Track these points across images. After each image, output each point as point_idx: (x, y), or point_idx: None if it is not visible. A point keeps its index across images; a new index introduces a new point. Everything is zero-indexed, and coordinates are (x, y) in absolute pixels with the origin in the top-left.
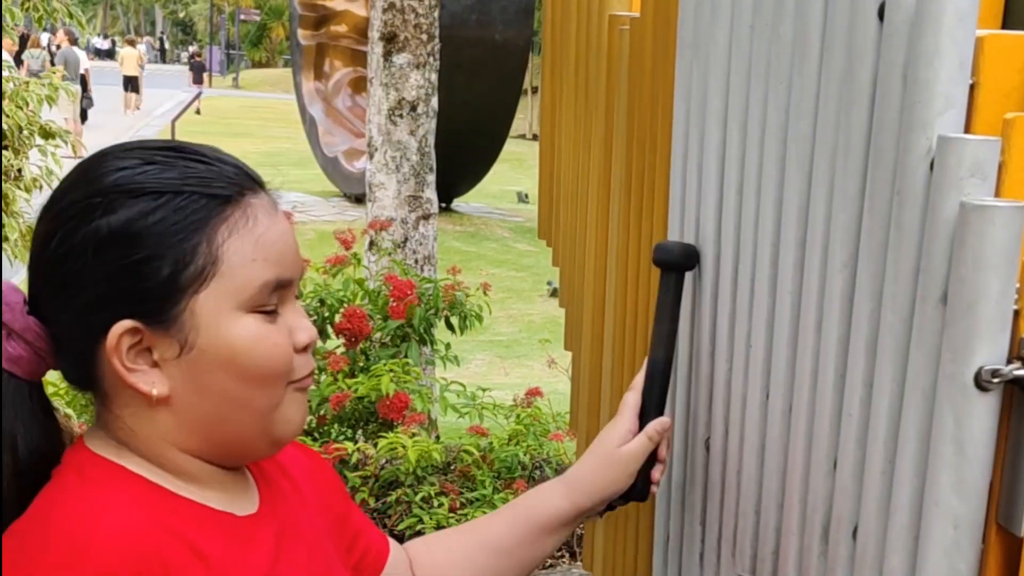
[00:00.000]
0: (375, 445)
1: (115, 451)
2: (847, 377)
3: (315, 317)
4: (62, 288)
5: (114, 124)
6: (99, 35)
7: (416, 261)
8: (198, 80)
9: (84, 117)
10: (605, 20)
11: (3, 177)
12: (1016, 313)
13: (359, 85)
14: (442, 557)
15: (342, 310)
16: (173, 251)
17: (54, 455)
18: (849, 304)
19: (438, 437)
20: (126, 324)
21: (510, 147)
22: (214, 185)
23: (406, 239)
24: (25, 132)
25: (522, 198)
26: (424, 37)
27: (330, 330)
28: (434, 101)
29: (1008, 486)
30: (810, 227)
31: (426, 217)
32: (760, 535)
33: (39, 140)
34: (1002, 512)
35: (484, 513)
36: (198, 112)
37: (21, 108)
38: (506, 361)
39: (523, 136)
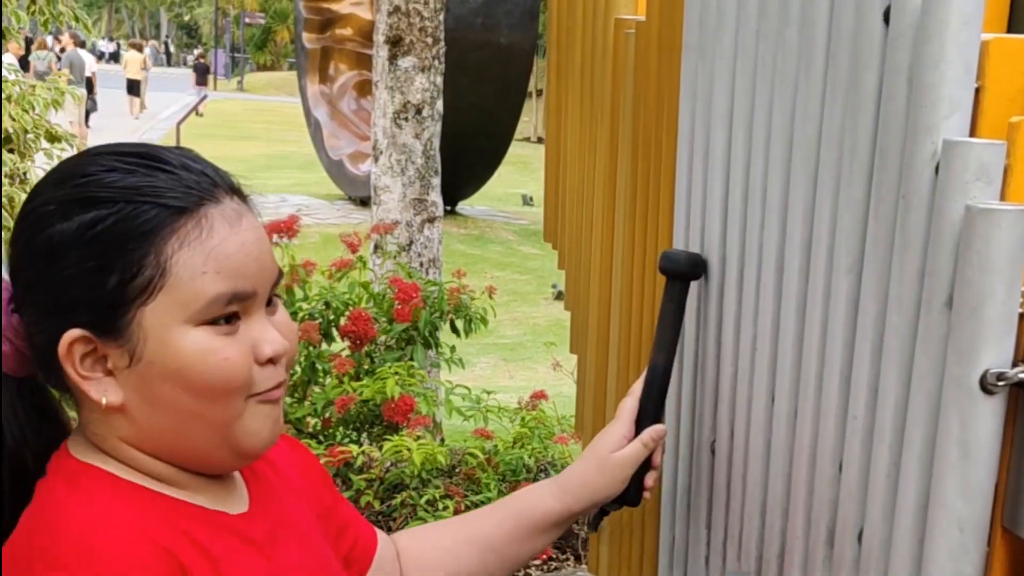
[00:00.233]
0: (380, 448)
1: (97, 456)
2: (852, 380)
3: (320, 320)
4: (26, 290)
5: (119, 127)
6: (104, 38)
7: (421, 264)
8: (201, 82)
9: (88, 119)
10: (611, 24)
11: (9, 180)
12: (1021, 316)
13: (364, 88)
14: (430, 550)
15: (347, 313)
16: (121, 261)
17: (48, 453)
18: (854, 307)
19: (443, 440)
20: (75, 333)
21: (515, 150)
22: (168, 195)
23: (411, 242)
24: (31, 135)
25: (527, 201)
26: (429, 40)
27: (335, 333)
28: (439, 104)
29: (1013, 489)
30: (815, 230)
31: (431, 220)
32: (765, 538)
33: (45, 143)
34: (1007, 515)
35: None
36: (200, 114)
37: (27, 111)
38: (511, 364)
39: (528, 139)
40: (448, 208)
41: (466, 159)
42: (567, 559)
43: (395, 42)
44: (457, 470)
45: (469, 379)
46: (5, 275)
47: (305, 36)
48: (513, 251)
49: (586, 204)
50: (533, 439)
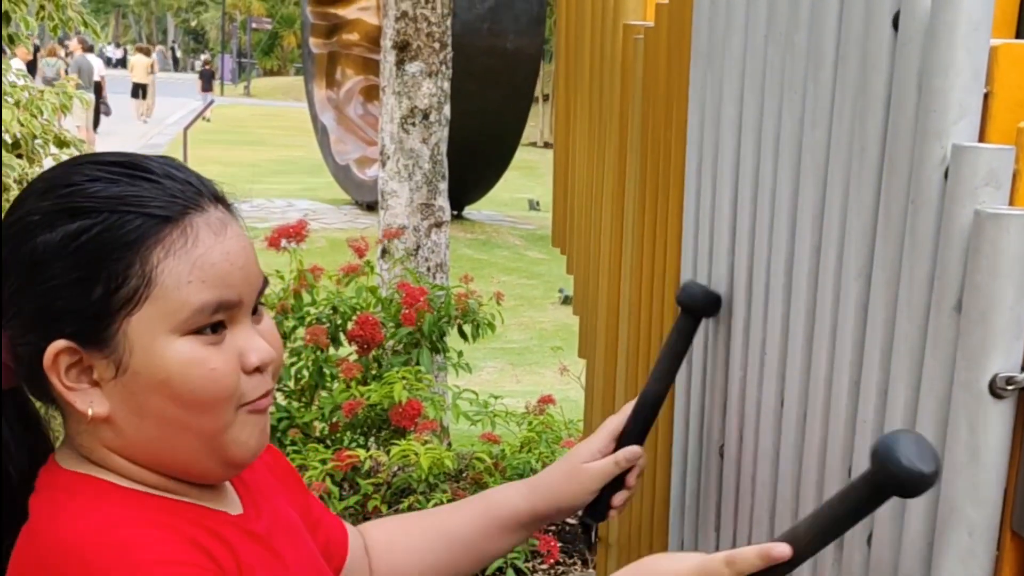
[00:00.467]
0: (387, 452)
1: (89, 466)
2: (862, 384)
3: (328, 324)
4: (9, 301)
5: (127, 132)
6: (111, 43)
7: (428, 269)
8: (207, 88)
9: (96, 124)
10: (619, 29)
11: (18, 185)
12: None
13: (371, 93)
14: (399, 541)
15: (355, 317)
16: (106, 272)
17: (15, 463)
18: (864, 311)
19: (450, 444)
20: (61, 344)
21: (521, 155)
22: (152, 204)
23: (418, 247)
24: (39, 141)
25: (533, 206)
26: (436, 46)
27: (343, 337)
28: (446, 109)
29: (1022, 493)
30: (825, 235)
31: (438, 225)
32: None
33: (53, 149)
34: (1016, 519)
35: None
36: (207, 120)
37: (36, 117)
38: (518, 368)
39: (534, 144)
40: (455, 213)
41: (473, 164)
42: (574, 564)
43: (402, 47)
44: (464, 474)
45: (476, 383)
46: None
47: (312, 41)
48: (520, 256)
49: (595, 209)
50: (540, 443)
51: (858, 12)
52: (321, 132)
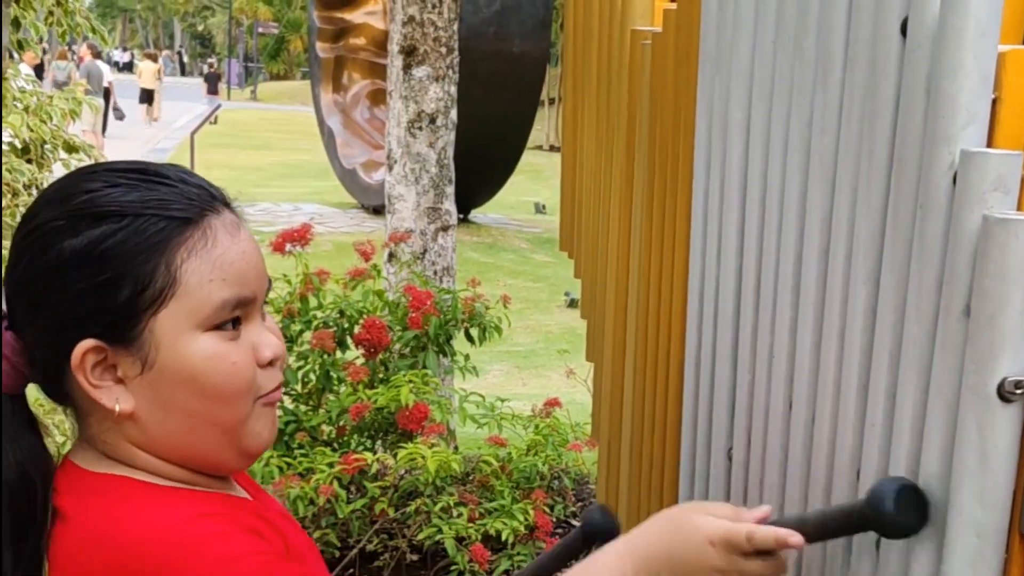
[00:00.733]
0: (394, 455)
1: (114, 465)
2: (870, 388)
3: (335, 328)
4: (31, 307)
5: (135, 135)
6: (118, 48)
7: (435, 272)
8: (212, 91)
9: (104, 128)
10: (627, 35)
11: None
12: None
13: (377, 97)
14: None
15: (361, 321)
16: (133, 273)
17: (42, 469)
18: (872, 315)
19: (457, 447)
20: (89, 343)
21: (527, 158)
22: (173, 207)
23: (425, 250)
24: (49, 146)
25: (539, 209)
26: (443, 50)
27: (350, 341)
28: (453, 113)
29: None
30: (833, 239)
31: (445, 229)
32: None
33: (63, 154)
34: None
35: (503, 523)
36: (214, 123)
37: (45, 122)
38: (524, 371)
39: (540, 147)
40: (461, 216)
41: (479, 168)
42: None
43: (409, 52)
44: (471, 477)
45: (483, 387)
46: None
47: (319, 45)
48: (526, 259)
49: (602, 213)
50: (547, 446)
51: (866, 18)
52: (328, 136)
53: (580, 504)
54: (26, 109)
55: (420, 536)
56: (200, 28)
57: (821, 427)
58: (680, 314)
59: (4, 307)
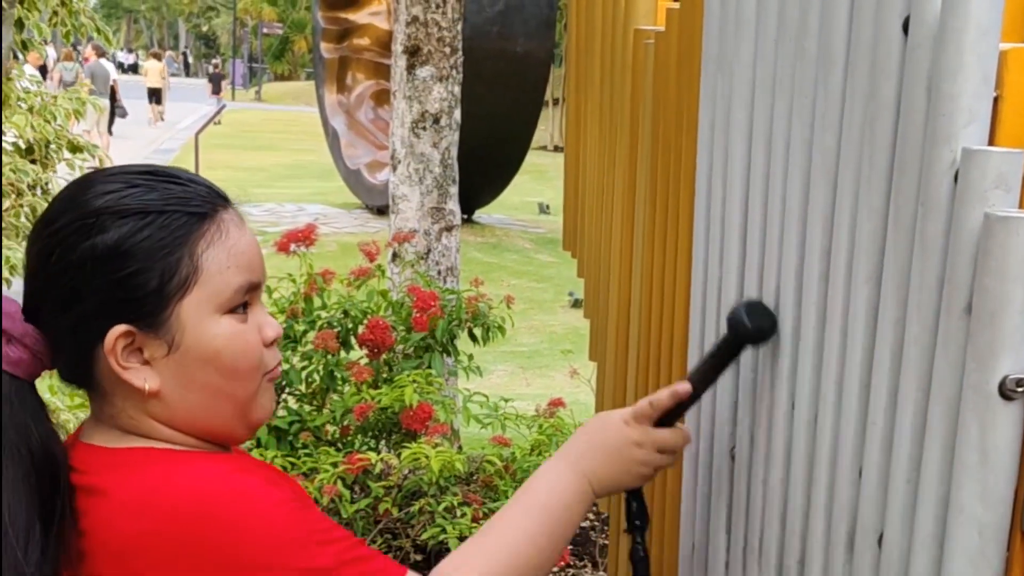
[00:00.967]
0: (398, 455)
1: (138, 440)
2: (872, 386)
3: (339, 328)
4: (61, 299)
5: (140, 135)
6: (123, 49)
7: (439, 272)
8: (216, 91)
9: (111, 127)
10: (630, 34)
11: (31, 191)
12: None
13: (381, 98)
14: None
15: (365, 321)
16: (160, 264)
17: (59, 448)
18: (874, 314)
19: (460, 447)
20: (121, 328)
21: (531, 158)
22: (192, 204)
23: (429, 250)
24: (53, 146)
25: (543, 209)
26: (447, 50)
27: (353, 341)
28: (457, 113)
29: None
30: (835, 238)
31: (449, 229)
32: (785, 544)
33: (67, 154)
34: None
35: None
36: (218, 123)
37: (49, 122)
38: (528, 372)
39: (544, 147)
40: (465, 217)
41: (483, 167)
42: (584, 566)
43: (413, 52)
44: (475, 477)
45: (486, 387)
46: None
47: (323, 46)
48: (530, 259)
49: (606, 213)
50: (551, 446)
51: (868, 17)
52: (332, 136)
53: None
54: (30, 109)
55: (424, 536)
56: (204, 29)
57: (823, 426)
58: (683, 314)
59: (20, 303)
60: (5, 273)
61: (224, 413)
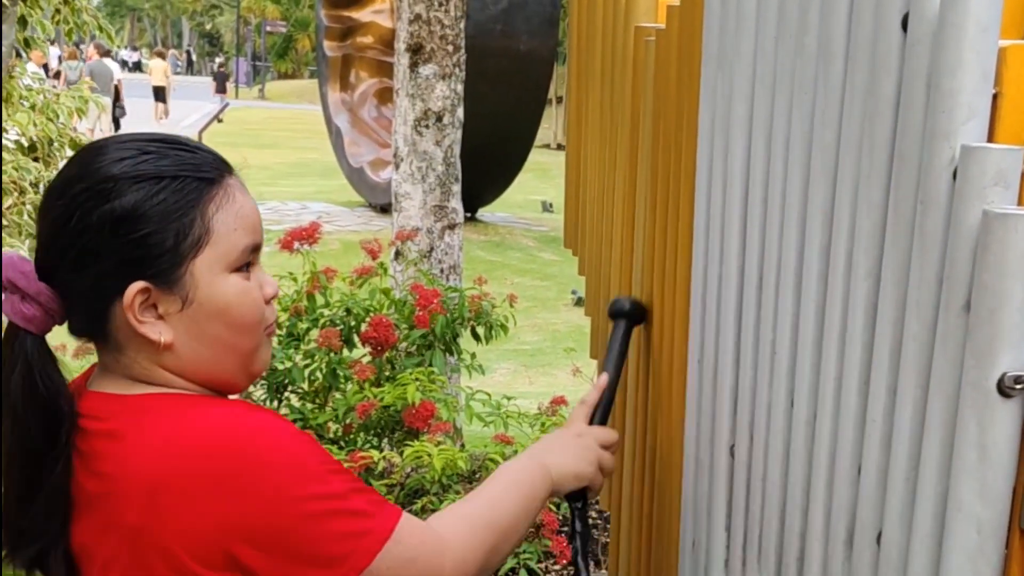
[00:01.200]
0: (401, 453)
1: (152, 387)
2: (871, 384)
3: (341, 326)
4: (80, 259)
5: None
6: (127, 47)
7: (442, 271)
8: (221, 90)
9: (117, 126)
10: (631, 31)
11: (34, 189)
12: None
13: (384, 96)
14: None
15: (368, 319)
16: (174, 225)
17: (66, 392)
18: (873, 311)
19: (463, 445)
20: (139, 285)
21: (535, 157)
22: (202, 169)
23: (432, 249)
24: (56, 144)
25: (546, 207)
26: (450, 48)
27: (356, 339)
28: (460, 112)
29: None
30: (834, 235)
31: (452, 227)
32: (785, 541)
33: (69, 152)
34: None
35: None
36: (220, 121)
37: (52, 120)
38: (531, 370)
39: (547, 146)
40: (468, 215)
41: (486, 166)
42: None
43: (416, 50)
44: (477, 475)
45: (489, 385)
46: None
47: (326, 44)
48: (533, 257)
49: (606, 210)
50: None
51: (867, 14)
52: (335, 135)
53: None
54: (33, 107)
55: None
56: (208, 27)
57: (822, 423)
58: (683, 311)
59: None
60: None
61: (229, 364)
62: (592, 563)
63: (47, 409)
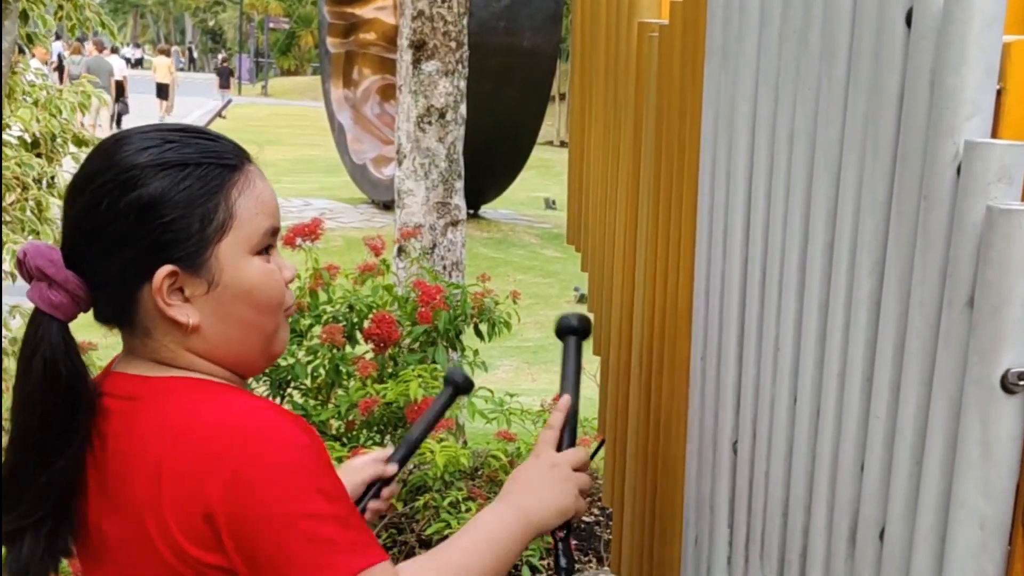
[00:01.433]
0: None
1: (175, 370)
2: (874, 380)
3: (344, 323)
4: (108, 246)
5: None
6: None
7: (444, 267)
8: (224, 86)
9: (119, 123)
10: (634, 27)
11: (37, 185)
12: None
13: (387, 92)
14: None
15: (371, 316)
16: (199, 211)
17: (84, 378)
18: (876, 308)
19: (465, 442)
20: (167, 269)
21: (537, 153)
22: (224, 157)
23: (434, 245)
24: (59, 140)
25: (549, 204)
26: (453, 44)
27: (359, 336)
28: (462, 108)
29: None
30: (838, 231)
31: (454, 223)
32: (788, 537)
33: (72, 148)
34: None
35: None
36: (223, 117)
37: (55, 116)
38: (533, 367)
39: (550, 143)
40: (471, 212)
41: (489, 163)
42: (589, 561)
43: (419, 46)
44: (480, 472)
45: (492, 382)
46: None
47: (329, 40)
48: (536, 254)
49: (609, 206)
50: None
51: (871, 9)
52: (338, 131)
53: (587, 499)
54: (35, 103)
55: (429, 531)
56: (211, 23)
57: (825, 420)
58: (686, 307)
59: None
60: (11, 268)
61: (252, 345)
62: (595, 559)
63: (67, 394)
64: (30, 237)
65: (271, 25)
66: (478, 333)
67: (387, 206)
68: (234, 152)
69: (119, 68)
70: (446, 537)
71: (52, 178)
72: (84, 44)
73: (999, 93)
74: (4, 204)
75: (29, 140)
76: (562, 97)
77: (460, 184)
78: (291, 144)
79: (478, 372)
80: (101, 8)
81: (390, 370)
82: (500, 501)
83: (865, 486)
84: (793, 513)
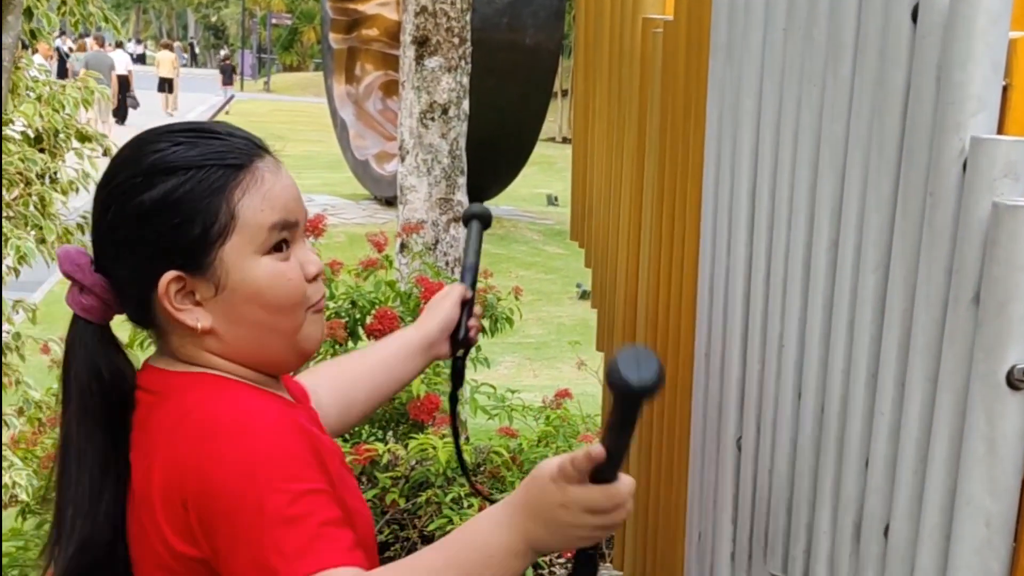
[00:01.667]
0: (405, 446)
1: (198, 368)
2: (879, 377)
3: (347, 318)
4: (118, 250)
5: (151, 125)
6: (131, 39)
7: (447, 263)
8: (227, 82)
9: (124, 117)
10: (639, 23)
11: (40, 180)
12: None
13: (390, 88)
14: (338, 376)
15: (373, 312)
16: (201, 214)
17: (127, 373)
18: (881, 304)
19: (468, 438)
20: (171, 274)
21: (540, 150)
22: (228, 157)
23: (437, 241)
24: (62, 135)
25: (552, 201)
26: (456, 41)
27: (361, 331)
28: (465, 104)
29: None
30: (843, 228)
31: (457, 220)
32: (792, 534)
33: (75, 143)
34: None
35: None
36: (227, 113)
37: (57, 111)
38: (535, 363)
39: (553, 139)
40: None
41: (491, 159)
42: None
43: (422, 42)
44: (482, 468)
45: (494, 378)
46: (41, 275)
47: (332, 36)
48: (538, 251)
49: (613, 203)
50: (558, 438)
51: (877, 5)
52: (340, 127)
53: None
54: (39, 98)
55: (431, 527)
56: (214, 19)
57: (830, 417)
58: (690, 304)
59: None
60: (14, 263)
61: (273, 345)
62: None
63: (111, 395)
64: (32, 232)
65: (273, 21)
66: (480, 329)
67: (389, 202)
68: (243, 150)
69: (124, 63)
70: (447, 533)
71: (55, 173)
72: (87, 40)
73: (1005, 89)
74: (7, 199)
75: (32, 135)
76: (565, 93)
77: (463, 180)
78: (293, 140)
79: (480, 368)
80: (104, 4)
81: None
82: (505, 509)
83: (870, 482)
84: (797, 510)
